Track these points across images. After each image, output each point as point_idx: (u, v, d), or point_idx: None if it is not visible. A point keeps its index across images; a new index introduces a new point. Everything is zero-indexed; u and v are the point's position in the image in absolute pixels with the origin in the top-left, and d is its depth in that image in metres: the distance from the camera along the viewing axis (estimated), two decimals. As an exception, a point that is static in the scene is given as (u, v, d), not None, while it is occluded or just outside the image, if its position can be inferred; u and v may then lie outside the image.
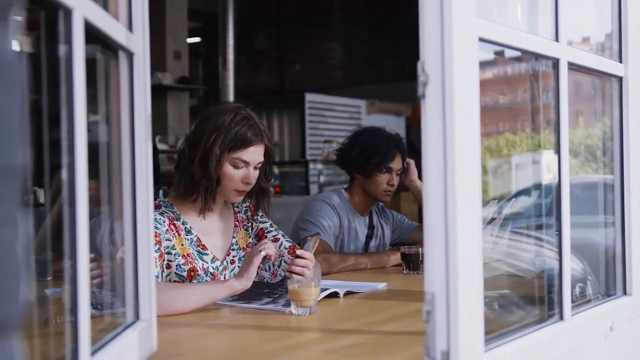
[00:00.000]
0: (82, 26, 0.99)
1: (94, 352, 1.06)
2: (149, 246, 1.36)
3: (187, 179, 2.15)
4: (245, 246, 2.32)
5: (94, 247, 1.05)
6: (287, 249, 2.30)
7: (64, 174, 0.97)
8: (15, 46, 0.59)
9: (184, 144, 2.19)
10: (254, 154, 2.16)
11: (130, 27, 1.31)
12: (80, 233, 0.98)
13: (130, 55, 1.31)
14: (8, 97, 0.55)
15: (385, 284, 2.32)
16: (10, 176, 0.56)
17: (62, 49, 0.98)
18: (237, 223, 2.33)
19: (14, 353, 0.57)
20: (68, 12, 0.96)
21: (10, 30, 0.57)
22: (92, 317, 1.03)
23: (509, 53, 1.51)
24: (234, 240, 2.29)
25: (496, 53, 1.46)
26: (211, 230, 2.24)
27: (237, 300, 1.98)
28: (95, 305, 1.27)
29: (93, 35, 1.08)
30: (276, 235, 2.35)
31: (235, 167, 2.15)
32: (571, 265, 1.53)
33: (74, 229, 0.98)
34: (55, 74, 0.97)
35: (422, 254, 2.60)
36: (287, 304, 1.88)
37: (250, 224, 2.36)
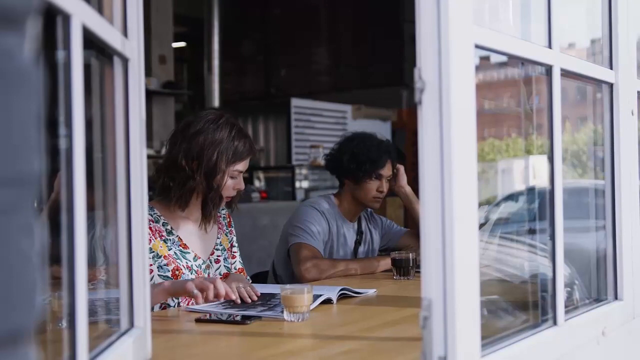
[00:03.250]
0: (80, 32, 0.98)
1: (90, 360, 1.05)
2: (143, 253, 1.35)
3: (188, 192, 2.20)
4: (227, 248, 2.40)
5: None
6: (236, 269, 2.39)
7: (63, 180, 0.96)
8: (32, 53, 0.59)
9: (180, 156, 2.19)
10: (247, 163, 2.29)
11: (125, 32, 1.30)
12: (78, 240, 0.97)
13: (125, 61, 1.30)
14: (26, 106, 0.55)
15: (375, 290, 2.32)
16: (27, 184, 0.56)
17: (60, 54, 0.97)
18: (220, 225, 2.40)
19: (30, 362, 0.57)
20: (66, 18, 0.95)
21: (27, 38, 0.57)
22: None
23: (494, 58, 1.51)
24: (218, 241, 2.37)
25: (482, 58, 1.46)
26: (194, 231, 2.29)
27: (232, 307, 1.97)
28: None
29: (89, 40, 1.07)
30: (236, 252, 2.46)
31: (232, 177, 2.24)
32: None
33: (71, 236, 0.97)
34: (54, 79, 0.97)
35: (413, 260, 2.61)
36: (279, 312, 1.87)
37: (229, 230, 2.45)
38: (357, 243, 3.08)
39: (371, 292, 2.30)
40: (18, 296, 0.54)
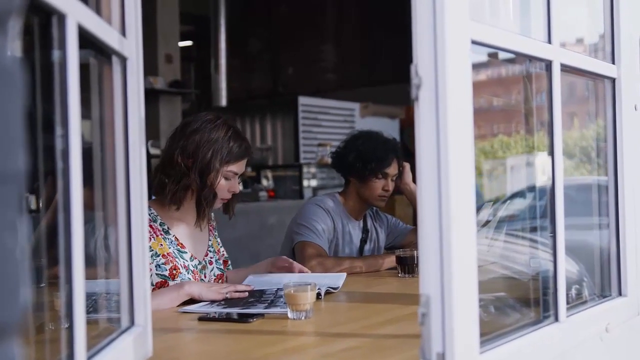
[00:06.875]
0: (75, 31, 0.99)
1: (89, 358, 1.06)
2: (143, 251, 1.36)
3: (182, 189, 2.23)
4: (217, 250, 2.43)
5: (87, 254, 1.05)
6: (215, 276, 2.39)
7: (59, 180, 0.97)
8: (15, 52, 0.59)
9: (176, 153, 2.22)
10: (243, 165, 2.31)
11: (123, 31, 1.31)
12: (75, 239, 0.98)
13: (123, 60, 1.31)
14: (8, 103, 0.56)
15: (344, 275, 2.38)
16: (11, 181, 0.57)
17: (55, 54, 0.98)
18: (210, 228, 2.45)
19: (14, 357, 0.57)
20: (62, 18, 0.96)
21: (10, 37, 0.58)
22: (87, 322, 1.03)
23: (502, 55, 1.51)
24: (209, 243, 2.41)
25: (490, 55, 1.46)
26: (188, 232, 2.33)
27: (229, 307, 1.96)
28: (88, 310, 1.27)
29: (86, 40, 1.08)
30: (216, 258, 2.44)
31: (226, 178, 2.27)
32: (567, 267, 1.53)
33: (69, 235, 0.97)
34: (49, 78, 0.97)
35: (417, 257, 2.60)
36: (285, 306, 1.86)
37: (216, 232, 2.49)
38: (363, 241, 3.08)
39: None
40: (1, 292, 0.55)
